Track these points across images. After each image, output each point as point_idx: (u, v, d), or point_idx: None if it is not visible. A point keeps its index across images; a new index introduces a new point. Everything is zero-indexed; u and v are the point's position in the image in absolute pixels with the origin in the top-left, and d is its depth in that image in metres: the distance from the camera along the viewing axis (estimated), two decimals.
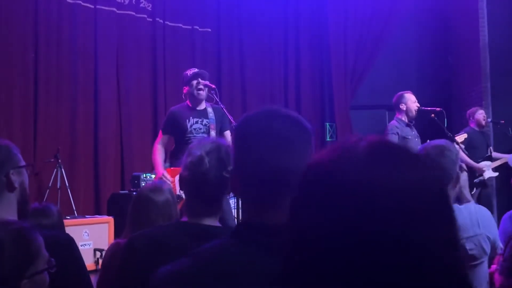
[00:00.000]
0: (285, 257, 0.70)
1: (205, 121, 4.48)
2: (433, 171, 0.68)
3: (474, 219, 2.46)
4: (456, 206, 2.46)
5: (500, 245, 2.51)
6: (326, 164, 0.68)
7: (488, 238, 2.46)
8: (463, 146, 5.86)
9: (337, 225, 0.63)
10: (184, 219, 1.74)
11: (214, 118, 4.52)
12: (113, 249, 2.46)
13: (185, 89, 4.59)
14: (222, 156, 1.73)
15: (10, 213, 1.69)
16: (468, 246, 2.41)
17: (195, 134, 4.39)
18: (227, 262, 1.07)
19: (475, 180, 6.36)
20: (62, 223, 2.81)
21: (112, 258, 2.35)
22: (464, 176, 6.17)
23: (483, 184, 6.51)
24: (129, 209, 2.49)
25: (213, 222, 1.71)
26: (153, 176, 5.61)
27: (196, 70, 4.62)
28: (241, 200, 1.22)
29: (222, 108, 4.45)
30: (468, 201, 2.61)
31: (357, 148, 0.68)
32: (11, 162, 1.72)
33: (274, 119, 1.18)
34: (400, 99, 5.69)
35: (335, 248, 0.62)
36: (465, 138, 6.18)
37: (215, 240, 1.15)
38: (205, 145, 1.75)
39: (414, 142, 5.61)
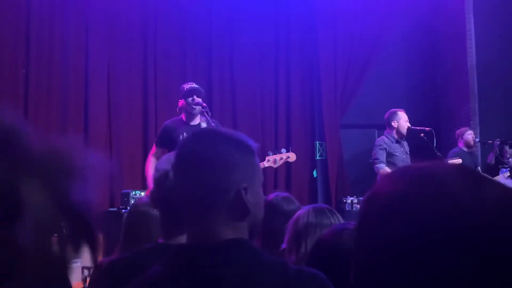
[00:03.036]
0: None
1: None
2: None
3: None
4: None
5: None
6: (407, 193, 0.67)
7: None
8: None
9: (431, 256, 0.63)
10: (160, 240, 1.70)
11: None
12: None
13: (180, 102, 4.67)
14: None
15: None
16: None
17: None
18: None
19: None
20: None
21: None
22: None
23: None
24: (125, 224, 2.43)
25: None
26: (142, 193, 5.59)
27: (193, 85, 4.69)
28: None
29: (214, 124, 4.50)
30: None
31: (449, 175, 0.68)
32: None
33: (210, 140, 1.23)
34: (393, 116, 5.73)
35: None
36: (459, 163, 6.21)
37: (153, 267, 1.21)
38: (171, 160, 1.72)
39: (402, 158, 5.64)
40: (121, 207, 5.82)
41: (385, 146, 5.64)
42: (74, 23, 6.85)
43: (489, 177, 0.71)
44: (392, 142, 5.67)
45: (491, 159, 7.04)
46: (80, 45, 6.89)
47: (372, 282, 0.66)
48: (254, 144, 1.27)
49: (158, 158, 4.59)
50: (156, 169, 1.72)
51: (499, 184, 0.69)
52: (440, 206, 0.64)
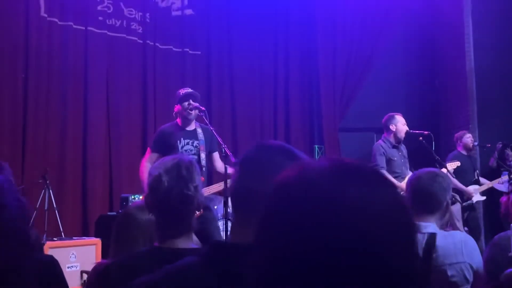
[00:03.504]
0: (257, 274, 0.71)
1: (195, 142, 4.51)
2: (392, 187, 0.71)
3: (458, 247, 2.47)
4: (440, 232, 2.49)
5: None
6: (292, 183, 0.71)
7: (471, 267, 2.47)
8: (451, 170, 5.90)
9: (306, 242, 0.65)
10: (156, 243, 1.70)
11: (204, 139, 4.56)
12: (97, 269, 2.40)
13: (176, 108, 4.64)
14: (182, 173, 1.69)
15: None
16: (450, 272, 2.43)
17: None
18: (194, 279, 1.16)
19: (464, 204, 6.41)
20: (41, 244, 2.77)
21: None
22: (457, 207, 6.17)
23: (471, 207, 6.57)
24: (113, 228, 2.42)
25: (185, 243, 1.67)
26: (141, 197, 5.59)
27: (188, 90, 4.68)
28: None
29: (211, 129, 4.49)
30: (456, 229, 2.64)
31: (320, 167, 0.71)
32: None
33: (273, 153, 1.29)
34: (391, 120, 5.74)
35: (305, 262, 0.64)
36: (457, 166, 6.21)
37: (188, 258, 1.23)
38: (164, 164, 1.71)
39: (400, 163, 5.65)
40: (120, 211, 5.82)
41: (383, 151, 5.65)
42: (73, 27, 6.86)
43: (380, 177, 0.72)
44: (389, 147, 5.68)
45: (493, 163, 7.05)
46: (80, 50, 6.90)
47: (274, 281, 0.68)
48: (302, 155, 1.33)
49: (152, 162, 4.58)
50: (150, 174, 1.72)
51: (384, 181, 0.71)
52: (314, 200, 0.67)
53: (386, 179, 0.72)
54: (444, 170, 5.12)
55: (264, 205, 0.74)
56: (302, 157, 1.31)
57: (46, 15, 6.66)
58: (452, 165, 6.03)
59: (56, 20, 6.74)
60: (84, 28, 6.95)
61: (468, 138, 6.89)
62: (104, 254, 5.34)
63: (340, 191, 0.66)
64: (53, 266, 1.68)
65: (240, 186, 1.27)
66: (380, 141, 5.80)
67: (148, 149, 4.71)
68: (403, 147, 5.79)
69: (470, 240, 2.58)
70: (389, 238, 0.65)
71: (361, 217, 0.65)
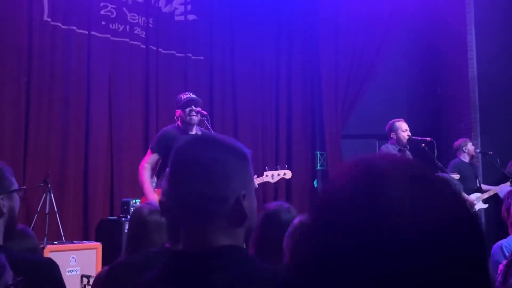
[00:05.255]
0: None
1: None
2: (460, 196, 0.68)
3: None
4: None
5: None
6: (361, 187, 0.66)
7: None
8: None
9: (376, 252, 0.61)
10: (167, 244, 1.72)
11: None
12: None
13: (178, 112, 4.63)
14: None
15: None
16: None
17: None
18: None
19: None
20: (39, 246, 2.78)
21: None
22: None
23: None
24: (127, 230, 2.45)
25: None
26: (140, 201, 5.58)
27: (190, 95, 4.67)
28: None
29: (212, 133, 4.49)
30: None
31: (389, 173, 0.67)
32: (2, 187, 1.70)
33: (207, 147, 1.22)
34: (391, 128, 5.74)
35: (372, 273, 0.61)
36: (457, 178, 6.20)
37: (151, 271, 1.22)
38: None
39: None
40: (121, 215, 5.82)
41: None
42: (76, 31, 6.87)
43: (449, 183, 0.69)
44: (395, 150, 5.69)
45: (510, 168, 7.03)
46: (82, 54, 6.91)
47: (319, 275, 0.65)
48: (247, 150, 1.26)
49: (152, 164, 4.56)
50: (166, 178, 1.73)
51: (447, 192, 0.68)
52: (376, 203, 0.63)
53: (452, 187, 0.70)
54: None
55: (313, 209, 0.70)
56: (244, 150, 1.25)
57: (49, 19, 6.68)
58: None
59: (59, 24, 6.75)
60: (87, 32, 6.96)
61: (471, 146, 6.89)
62: (104, 258, 5.33)
63: (413, 200, 0.64)
64: (50, 268, 1.67)
65: (180, 193, 1.21)
66: (387, 144, 5.80)
67: (149, 151, 4.67)
68: (408, 154, 5.78)
69: None
70: (464, 249, 0.63)
71: (436, 226, 0.62)
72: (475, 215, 0.68)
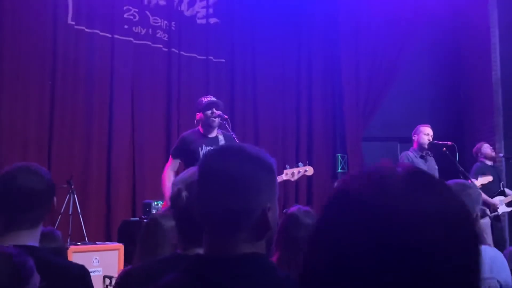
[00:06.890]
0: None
1: None
2: (460, 200, 0.70)
3: (488, 263, 2.44)
4: None
5: None
6: (360, 191, 0.68)
7: (499, 283, 2.44)
8: (481, 185, 5.82)
9: (372, 254, 0.63)
10: (179, 250, 1.72)
11: None
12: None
13: (198, 115, 4.67)
14: None
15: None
16: None
17: None
18: None
19: (490, 215, 6.32)
20: (65, 247, 2.81)
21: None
22: (486, 220, 6.08)
23: (497, 218, 6.47)
24: (140, 234, 2.46)
25: None
26: (162, 203, 5.63)
27: (211, 98, 4.70)
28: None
29: (233, 136, 4.51)
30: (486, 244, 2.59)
31: (394, 176, 0.68)
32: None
33: (236, 159, 1.22)
34: (415, 131, 5.79)
35: (376, 272, 0.63)
36: (488, 181, 6.13)
37: (171, 274, 1.22)
38: (185, 178, 1.70)
39: None
40: (143, 216, 5.87)
41: (408, 160, 5.62)
42: (99, 35, 6.96)
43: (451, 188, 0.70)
44: (416, 157, 5.65)
45: None
46: (106, 57, 6.99)
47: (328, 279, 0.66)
48: (273, 160, 1.26)
49: (174, 170, 4.62)
50: (172, 185, 1.74)
51: (449, 196, 0.68)
52: (376, 209, 0.65)
53: (451, 189, 0.71)
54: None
55: (325, 211, 0.71)
56: (271, 161, 1.24)
57: (73, 23, 6.77)
58: (485, 180, 5.98)
59: (83, 27, 6.85)
60: (110, 35, 7.05)
61: (487, 148, 6.81)
62: (127, 259, 5.39)
63: (418, 201, 0.65)
64: (82, 276, 1.69)
65: (208, 201, 1.21)
66: (408, 151, 5.79)
67: (170, 156, 4.75)
68: (431, 159, 5.73)
69: (500, 256, 2.54)
70: (460, 247, 0.65)
71: (435, 226, 0.64)
72: (471, 217, 0.69)
